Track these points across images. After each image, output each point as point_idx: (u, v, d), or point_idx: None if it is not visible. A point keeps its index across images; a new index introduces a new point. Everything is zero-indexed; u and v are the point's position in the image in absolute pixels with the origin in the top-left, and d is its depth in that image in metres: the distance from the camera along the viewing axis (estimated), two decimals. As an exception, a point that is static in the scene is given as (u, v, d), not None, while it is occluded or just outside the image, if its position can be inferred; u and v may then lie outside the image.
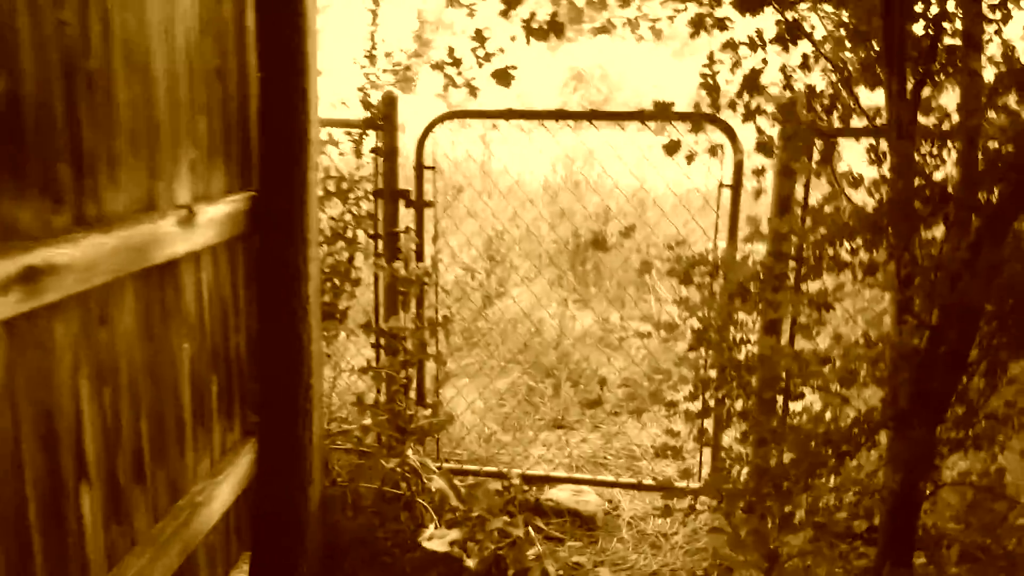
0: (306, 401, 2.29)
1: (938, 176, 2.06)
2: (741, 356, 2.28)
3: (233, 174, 2.41)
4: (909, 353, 2.08)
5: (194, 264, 2.19)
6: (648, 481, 3.52)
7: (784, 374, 2.18)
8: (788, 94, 2.38)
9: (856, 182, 1.96)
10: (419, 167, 3.26)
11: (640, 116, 3.06)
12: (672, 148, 2.13)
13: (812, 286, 2.22)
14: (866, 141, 2.21)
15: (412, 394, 3.38)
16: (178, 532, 2.07)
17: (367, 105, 3.23)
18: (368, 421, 2.81)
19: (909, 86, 2.11)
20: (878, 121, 2.19)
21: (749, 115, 2.03)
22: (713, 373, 2.52)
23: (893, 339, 2.08)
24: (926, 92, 2.12)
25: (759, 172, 2.22)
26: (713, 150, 2.37)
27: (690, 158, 2.16)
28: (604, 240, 2.53)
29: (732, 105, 2.04)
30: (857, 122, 2.35)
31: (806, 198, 2.91)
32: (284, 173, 2.24)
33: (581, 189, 8.21)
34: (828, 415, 2.27)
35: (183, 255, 2.08)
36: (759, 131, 2.09)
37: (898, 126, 2.06)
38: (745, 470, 2.69)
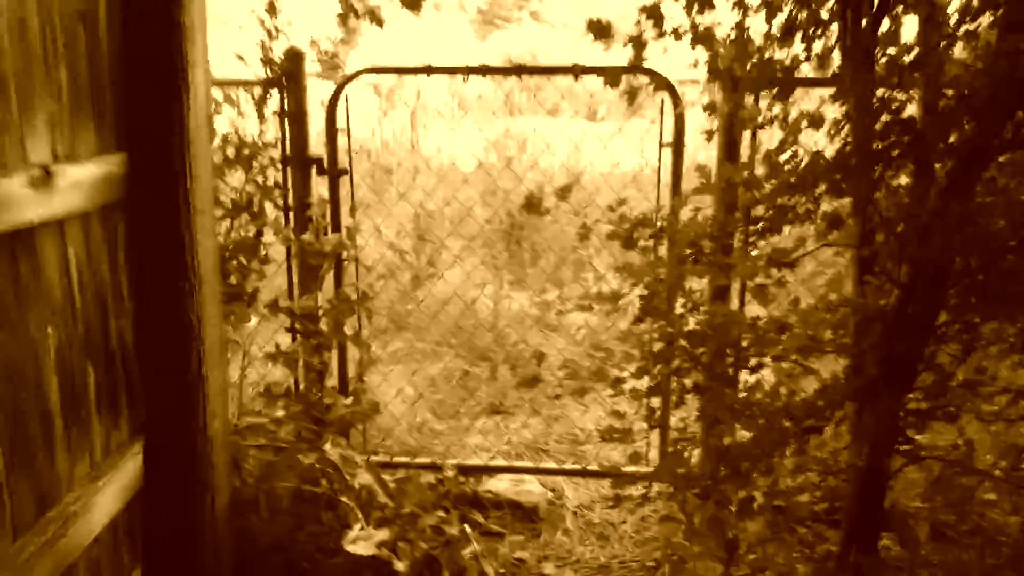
0: (198, 393, 2.01)
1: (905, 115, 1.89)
2: (691, 325, 2.09)
3: (107, 132, 2.10)
4: (875, 315, 1.91)
5: (57, 235, 1.88)
6: (594, 467, 3.33)
7: (739, 344, 1.99)
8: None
9: (815, 122, 1.77)
10: (331, 130, 2.98)
11: (572, 71, 2.84)
12: (612, 82, 1.91)
13: (768, 243, 2.03)
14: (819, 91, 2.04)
15: (334, 382, 3.12)
16: (46, 549, 1.78)
17: (268, 62, 2.93)
18: (280, 413, 2.54)
19: (865, 22, 1.93)
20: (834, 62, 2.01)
21: (698, 39, 1.81)
22: (661, 346, 2.34)
23: (856, 301, 1.91)
24: (885, 25, 1.95)
25: (710, 107, 2.01)
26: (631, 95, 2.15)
27: (632, 95, 1.94)
28: (539, 202, 2.30)
29: (677, 34, 1.82)
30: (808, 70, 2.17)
31: (753, 150, 2.73)
32: (161, 127, 1.94)
33: (514, 169, 7.99)
34: (786, 389, 2.10)
35: (40, 223, 1.78)
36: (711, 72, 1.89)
37: (856, 60, 1.89)
38: (698, 452, 2.51)
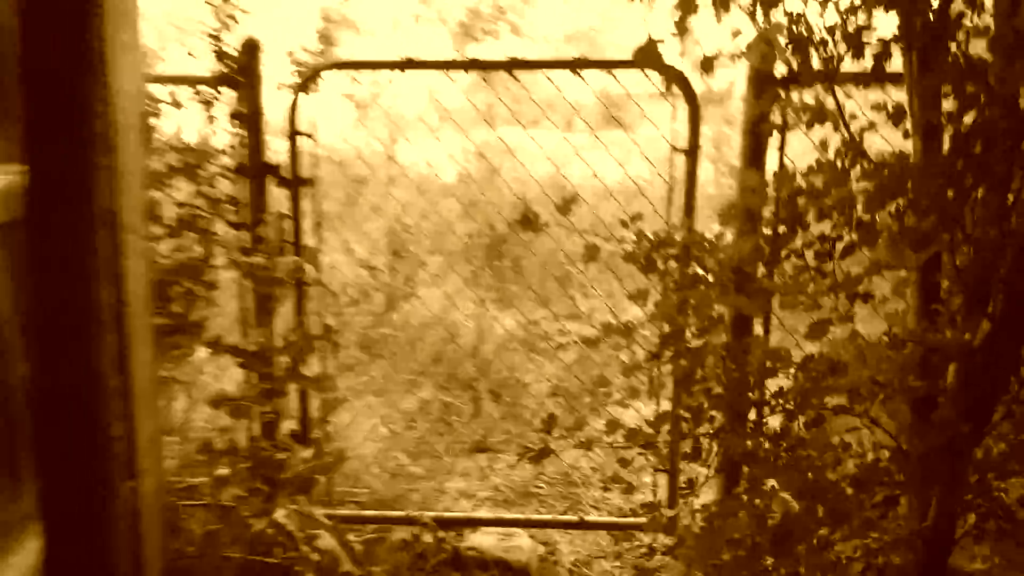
0: (107, 453, 1.60)
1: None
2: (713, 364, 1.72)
3: (11, 138, 1.70)
4: (957, 352, 1.55)
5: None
6: (592, 517, 2.95)
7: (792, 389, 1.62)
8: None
9: (895, 116, 1.41)
10: (292, 134, 2.60)
11: (574, 65, 2.48)
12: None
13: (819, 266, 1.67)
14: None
15: (296, 424, 2.72)
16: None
17: (220, 55, 2.54)
18: (225, 471, 2.14)
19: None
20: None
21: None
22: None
23: (936, 337, 1.55)
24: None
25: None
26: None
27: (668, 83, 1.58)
28: (536, 218, 1.93)
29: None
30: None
31: (781, 161, 2.38)
32: (68, 127, 1.55)
33: (499, 180, 7.63)
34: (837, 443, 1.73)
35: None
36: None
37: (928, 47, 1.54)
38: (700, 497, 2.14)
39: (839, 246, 1.50)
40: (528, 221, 1.96)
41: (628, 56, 2.04)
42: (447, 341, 4.20)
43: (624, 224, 1.99)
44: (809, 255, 1.54)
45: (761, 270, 1.55)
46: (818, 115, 1.67)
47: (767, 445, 1.75)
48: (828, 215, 1.46)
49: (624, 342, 2.14)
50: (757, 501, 1.60)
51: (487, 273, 5.59)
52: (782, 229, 1.55)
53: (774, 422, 2.13)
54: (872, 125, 1.57)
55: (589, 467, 3.48)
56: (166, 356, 2.58)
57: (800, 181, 1.49)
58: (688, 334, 1.95)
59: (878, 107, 1.49)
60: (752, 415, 1.99)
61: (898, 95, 1.70)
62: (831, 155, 1.55)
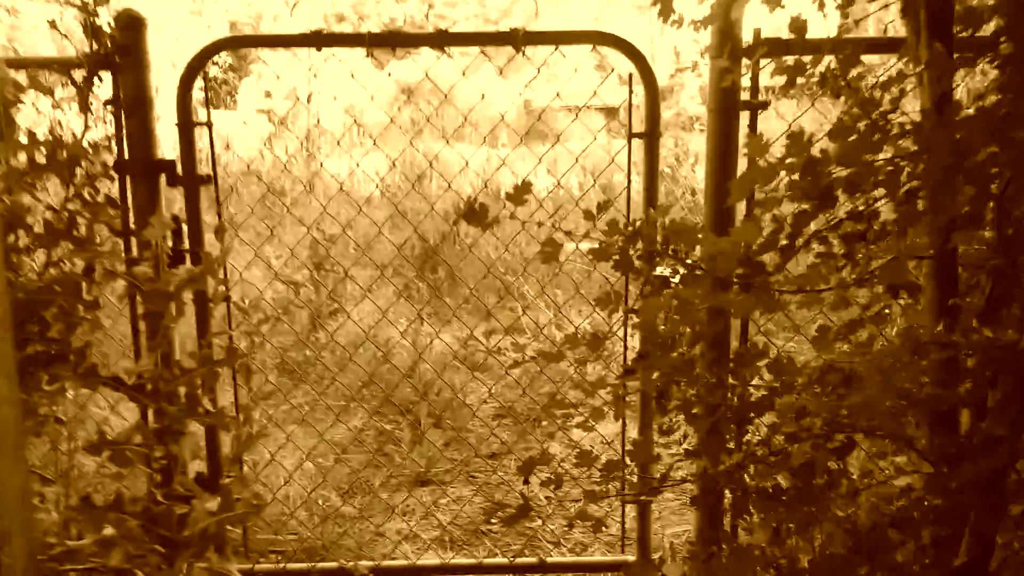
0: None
1: None
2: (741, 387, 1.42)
3: None
4: (1005, 353, 1.29)
5: None
6: (555, 558, 2.62)
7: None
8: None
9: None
10: (186, 123, 2.21)
11: (511, 39, 2.16)
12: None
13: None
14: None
15: (203, 465, 2.32)
16: None
17: (94, 32, 2.15)
18: (110, 531, 1.75)
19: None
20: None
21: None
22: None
23: (982, 338, 1.29)
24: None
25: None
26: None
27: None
28: (484, 210, 1.60)
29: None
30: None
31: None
32: None
33: (424, 193, 7.31)
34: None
35: None
36: None
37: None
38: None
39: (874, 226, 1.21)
40: (475, 213, 1.64)
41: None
42: (380, 361, 3.82)
43: (590, 216, 1.68)
44: (833, 240, 1.25)
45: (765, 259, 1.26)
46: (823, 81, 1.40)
47: (773, 478, 1.45)
48: (857, 189, 1.17)
49: (589, 354, 1.83)
50: (775, 551, 1.30)
51: (420, 286, 5.23)
52: (795, 208, 1.25)
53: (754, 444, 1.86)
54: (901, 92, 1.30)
55: (543, 495, 3.16)
56: (41, 391, 2.17)
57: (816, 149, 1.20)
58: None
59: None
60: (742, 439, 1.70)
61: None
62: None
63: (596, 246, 1.65)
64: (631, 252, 1.53)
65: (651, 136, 2.23)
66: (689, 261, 1.48)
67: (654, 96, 2.22)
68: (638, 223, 1.54)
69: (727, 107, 2.07)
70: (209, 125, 2.28)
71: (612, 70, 2.44)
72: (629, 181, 2.29)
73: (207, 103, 2.25)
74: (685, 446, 1.80)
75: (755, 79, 2.09)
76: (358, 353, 3.72)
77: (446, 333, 4.76)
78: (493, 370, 4.27)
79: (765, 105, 2.09)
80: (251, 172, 7.16)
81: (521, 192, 1.65)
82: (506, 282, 5.15)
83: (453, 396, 3.77)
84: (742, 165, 2.13)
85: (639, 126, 2.24)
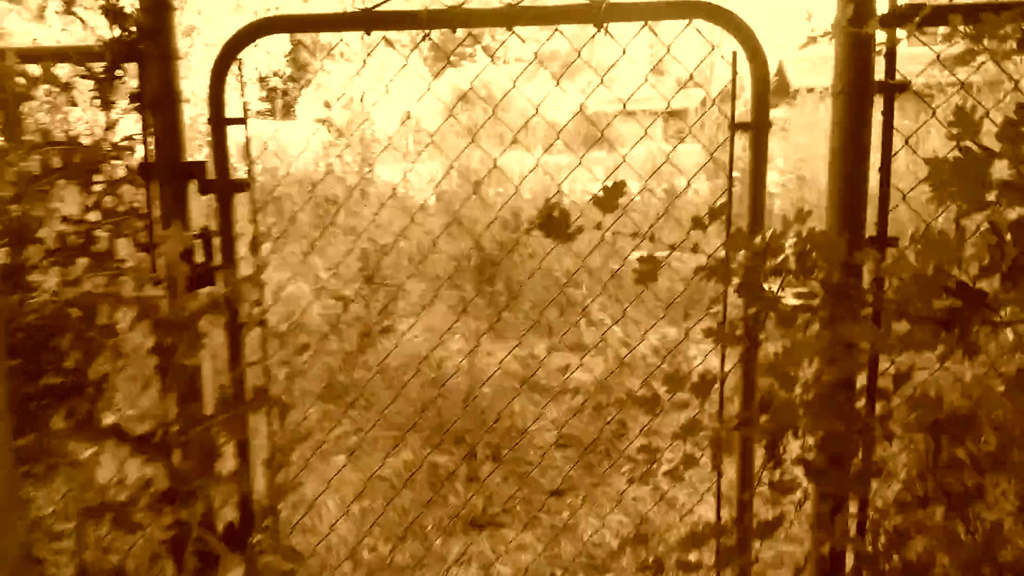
0: None
1: None
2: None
3: None
4: None
5: None
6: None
7: None
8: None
9: None
10: (218, 121, 1.95)
11: (592, 14, 1.85)
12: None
13: None
14: None
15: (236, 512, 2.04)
16: None
17: (115, 15, 1.90)
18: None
19: None
20: None
21: None
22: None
23: None
24: None
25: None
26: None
27: None
28: (565, 218, 1.29)
29: None
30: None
31: (886, 144, 1.75)
32: None
33: (481, 201, 7.06)
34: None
35: None
36: None
37: None
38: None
39: None
40: (554, 223, 1.33)
41: None
42: (433, 385, 3.54)
43: (699, 224, 1.36)
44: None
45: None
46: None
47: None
48: None
49: (695, 399, 1.51)
50: None
51: (477, 300, 4.95)
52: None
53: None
54: None
55: (613, 538, 2.83)
56: (53, 431, 1.93)
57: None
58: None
59: None
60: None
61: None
62: None
63: (704, 262, 1.33)
64: (757, 271, 1.21)
65: (759, 128, 1.89)
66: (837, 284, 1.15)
67: (763, 79, 1.88)
68: (768, 235, 1.21)
69: (860, 89, 1.72)
70: (244, 121, 2.01)
71: (713, 47, 2.11)
72: (731, 182, 1.95)
73: (243, 97, 1.98)
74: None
75: (891, 54, 1.74)
76: (409, 375, 3.44)
77: (505, 351, 4.46)
78: (555, 390, 3.96)
79: (905, 86, 1.74)
80: (302, 180, 6.99)
81: (613, 196, 1.34)
82: (571, 296, 4.83)
83: (512, 424, 3.46)
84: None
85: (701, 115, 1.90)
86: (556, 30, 2.01)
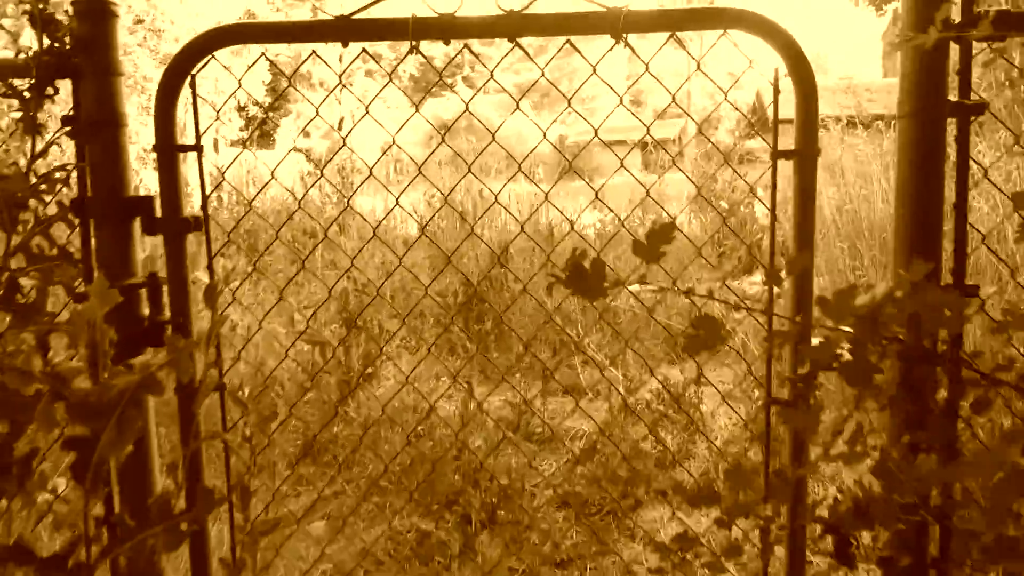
0: None
1: None
2: None
3: None
4: None
5: None
6: None
7: None
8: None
9: None
10: (167, 147, 1.64)
11: (609, 24, 1.57)
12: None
13: None
14: None
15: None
16: None
17: (45, 23, 1.60)
18: None
19: None
20: None
21: None
22: None
23: None
24: None
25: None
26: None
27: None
28: (598, 271, 0.99)
29: None
30: None
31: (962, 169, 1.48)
32: None
33: (467, 228, 6.77)
34: None
35: None
36: None
37: None
38: None
39: None
40: (584, 276, 1.03)
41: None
42: (419, 437, 3.21)
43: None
44: None
45: None
46: None
47: None
48: None
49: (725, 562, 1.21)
50: None
51: (465, 341, 4.63)
52: None
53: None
54: None
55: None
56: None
57: None
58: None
59: None
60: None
61: None
62: None
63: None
64: (864, 343, 0.92)
65: (805, 156, 1.62)
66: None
67: (811, 99, 1.61)
68: (879, 294, 0.92)
69: (932, 111, 1.45)
70: (199, 149, 1.70)
71: (750, 64, 1.83)
72: (773, 216, 1.67)
73: (196, 120, 1.68)
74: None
75: (966, 70, 1.47)
76: (394, 428, 3.11)
77: (496, 395, 4.15)
78: (549, 438, 3.64)
79: (983, 107, 1.47)
80: (279, 211, 6.67)
81: (661, 238, 1.04)
82: (564, 334, 4.53)
83: (509, 483, 3.14)
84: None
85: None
86: (516, 90, 1.72)
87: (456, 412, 3.64)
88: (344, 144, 2.23)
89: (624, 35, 1.63)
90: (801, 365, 1.60)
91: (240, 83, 2.02)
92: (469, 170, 2.08)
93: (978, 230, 1.56)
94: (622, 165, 2.05)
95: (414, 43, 1.61)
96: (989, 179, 1.57)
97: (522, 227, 2.06)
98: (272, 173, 2.12)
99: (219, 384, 1.68)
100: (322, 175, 2.16)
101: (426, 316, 5.12)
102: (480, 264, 5.60)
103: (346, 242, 6.07)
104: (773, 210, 1.65)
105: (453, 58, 1.88)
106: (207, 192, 1.73)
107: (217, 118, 1.95)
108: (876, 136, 7.22)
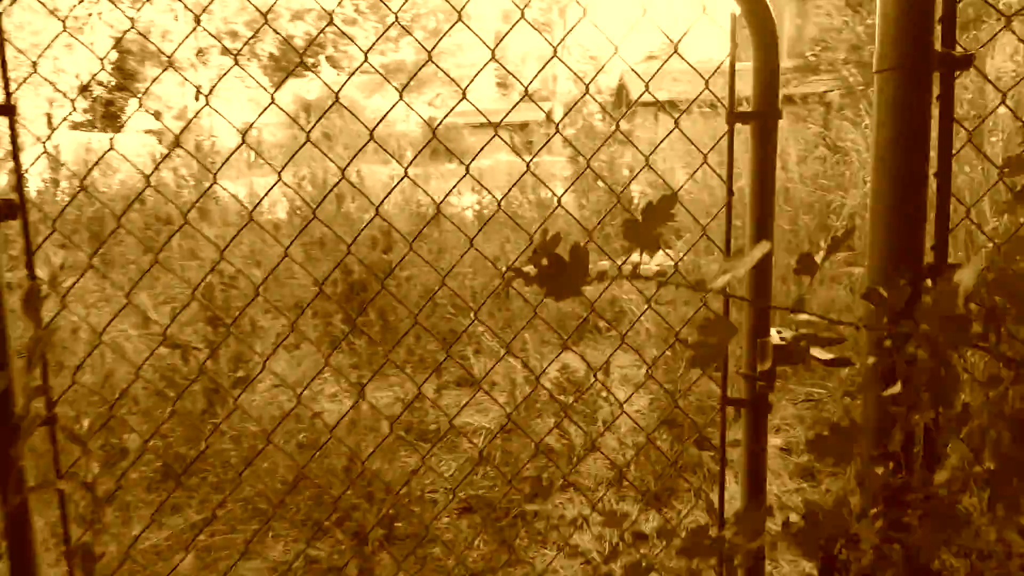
0: None
1: None
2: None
3: None
4: None
5: None
6: None
7: None
8: None
9: None
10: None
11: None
12: None
13: None
14: None
15: None
16: None
17: None
18: None
19: None
20: None
21: None
22: None
23: None
24: None
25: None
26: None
27: None
28: (579, 257, 0.72)
29: None
30: None
31: (945, 131, 1.30)
32: None
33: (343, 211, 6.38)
34: None
35: None
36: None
37: None
38: None
39: None
40: (560, 269, 0.76)
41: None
42: (303, 447, 2.86)
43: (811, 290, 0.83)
44: None
45: None
46: None
47: None
48: None
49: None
50: None
51: (347, 332, 4.27)
52: None
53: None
54: None
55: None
56: None
57: None
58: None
59: None
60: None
61: None
62: None
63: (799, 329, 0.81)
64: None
65: (765, 117, 1.40)
66: None
67: (772, 56, 1.39)
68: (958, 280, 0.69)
69: (917, 63, 1.25)
70: (10, 111, 1.31)
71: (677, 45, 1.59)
72: (730, 185, 1.44)
73: (4, 70, 1.30)
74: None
75: (950, 16, 1.28)
76: (272, 438, 2.75)
77: (385, 392, 3.83)
78: (447, 438, 3.37)
79: (970, 61, 1.28)
80: (128, 197, 6.05)
81: (660, 216, 0.78)
82: (432, 318, 4.25)
83: (408, 490, 2.84)
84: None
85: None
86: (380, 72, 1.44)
87: (343, 415, 3.30)
88: (196, 115, 1.86)
89: None
90: (761, 359, 1.37)
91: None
92: (357, 156, 1.76)
93: (961, 201, 1.39)
94: (495, 137, 1.78)
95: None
96: (973, 143, 1.41)
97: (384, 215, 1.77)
98: (118, 152, 1.74)
99: (49, 416, 1.31)
100: (178, 144, 1.78)
101: (302, 309, 4.73)
102: (358, 251, 5.24)
103: (208, 228, 5.55)
104: (730, 182, 1.43)
105: (315, 37, 1.64)
106: (22, 169, 1.35)
107: (68, 99, 1.56)
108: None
